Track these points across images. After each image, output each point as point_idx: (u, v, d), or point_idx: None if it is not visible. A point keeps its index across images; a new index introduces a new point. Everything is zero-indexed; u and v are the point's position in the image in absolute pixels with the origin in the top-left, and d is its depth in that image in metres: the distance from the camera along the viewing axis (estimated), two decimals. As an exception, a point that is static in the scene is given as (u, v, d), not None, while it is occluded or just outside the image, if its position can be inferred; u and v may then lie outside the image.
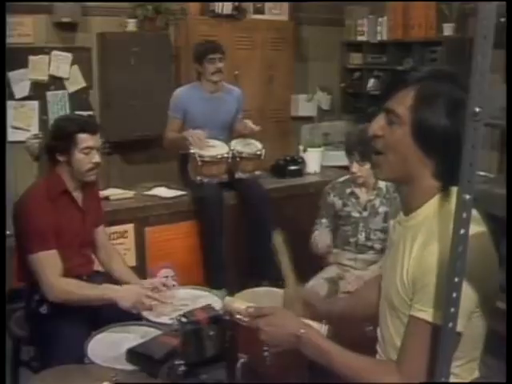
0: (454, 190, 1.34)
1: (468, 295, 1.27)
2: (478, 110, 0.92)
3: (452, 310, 1.05)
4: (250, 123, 3.92)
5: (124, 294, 2.38)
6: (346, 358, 1.43)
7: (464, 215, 1.00)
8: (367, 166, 3.02)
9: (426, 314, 1.32)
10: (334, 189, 3.22)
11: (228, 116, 4.03)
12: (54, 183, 2.54)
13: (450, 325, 1.06)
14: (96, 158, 2.54)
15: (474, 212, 1.35)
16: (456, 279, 1.02)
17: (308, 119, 6.18)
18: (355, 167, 3.04)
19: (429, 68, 1.46)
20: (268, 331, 1.55)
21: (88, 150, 2.50)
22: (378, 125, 1.44)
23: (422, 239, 1.37)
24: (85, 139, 2.49)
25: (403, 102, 1.38)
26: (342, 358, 1.43)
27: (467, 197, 0.98)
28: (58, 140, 2.52)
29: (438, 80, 1.38)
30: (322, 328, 1.61)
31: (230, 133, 4.04)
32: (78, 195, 2.61)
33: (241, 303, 1.76)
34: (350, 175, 3.14)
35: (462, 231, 1.00)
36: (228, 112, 4.03)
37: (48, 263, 2.40)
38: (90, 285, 2.46)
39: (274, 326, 1.55)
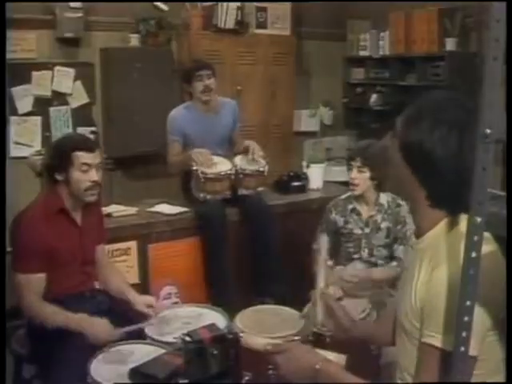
0: (462, 216, 1.35)
1: (480, 317, 1.25)
2: (488, 131, 0.91)
3: (464, 334, 1.02)
4: (257, 150, 3.86)
5: (96, 331, 2.32)
6: None
7: (475, 238, 0.98)
8: (366, 174, 3.02)
9: (436, 339, 1.30)
10: (337, 206, 3.21)
11: (225, 131, 4.01)
12: (51, 201, 2.54)
13: (462, 349, 1.03)
14: (94, 176, 2.52)
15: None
16: (468, 303, 1.00)
17: (311, 134, 6.18)
18: (354, 173, 3.06)
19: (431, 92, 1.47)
20: (286, 367, 1.57)
21: (85, 167, 2.49)
22: (388, 136, 1.49)
23: (429, 263, 1.36)
24: (81, 156, 2.49)
25: (400, 119, 1.43)
26: None
27: (478, 220, 0.96)
28: (55, 159, 2.54)
29: (432, 100, 1.41)
30: (340, 358, 1.62)
31: (229, 146, 4.03)
32: (76, 214, 2.60)
33: (259, 340, 1.79)
34: (350, 186, 3.14)
35: (474, 254, 0.98)
36: (225, 127, 4.00)
37: (28, 286, 2.42)
38: (66, 313, 2.39)
39: (291, 361, 1.56)
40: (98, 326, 2.32)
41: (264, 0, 5.52)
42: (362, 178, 3.05)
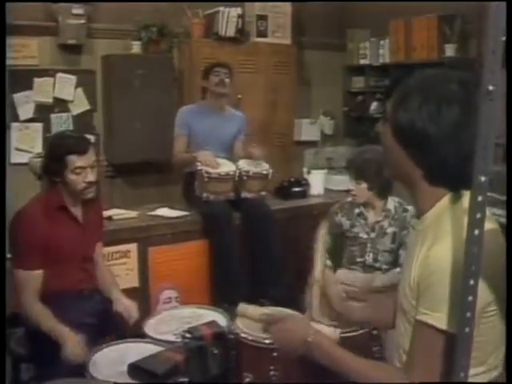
0: (464, 193, 1.34)
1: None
2: (491, 88, 0.90)
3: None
4: (255, 149, 3.92)
5: (69, 345, 2.25)
6: (354, 362, 1.43)
7: (479, 198, 0.96)
8: (364, 185, 3.01)
9: (431, 317, 1.28)
10: (343, 209, 3.20)
11: (230, 136, 4.08)
12: (51, 199, 2.55)
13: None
14: (89, 177, 2.52)
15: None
16: (473, 267, 0.98)
17: (311, 144, 6.17)
18: (351, 185, 3.07)
19: (417, 73, 1.45)
20: (278, 337, 1.58)
21: (79, 170, 2.49)
22: (380, 122, 1.46)
23: (429, 241, 1.34)
24: (74, 160, 2.49)
25: (389, 103, 1.41)
26: (351, 363, 1.42)
27: (482, 179, 0.95)
28: (50, 162, 2.54)
29: (418, 78, 1.40)
30: (335, 332, 1.62)
31: (230, 153, 4.05)
32: (77, 211, 2.61)
33: (255, 310, 1.79)
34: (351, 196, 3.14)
35: (479, 215, 0.96)
36: (230, 132, 4.08)
37: (26, 284, 2.41)
38: (55, 322, 2.36)
39: (284, 332, 1.56)
40: (71, 343, 2.25)
41: (266, 0, 5.54)
42: (359, 189, 3.05)
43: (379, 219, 3.10)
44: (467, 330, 1.07)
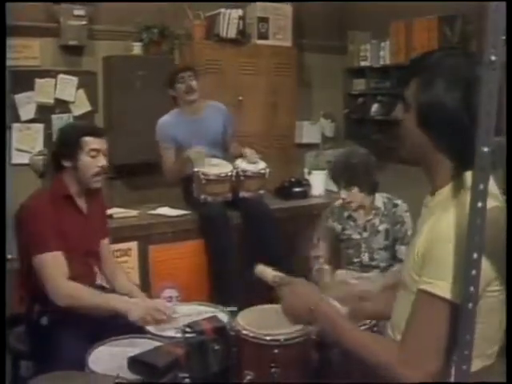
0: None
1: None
2: (493, 58, 0.91)
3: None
4: (247, 150, 3.91)
5: (133, 307, 2.35)
6: (356, 334, 1.43)
7: (482, 170, 0.96)
8: (355, 189, 3.00)
9: (432, 286, 1.27)
10: (333, 213, 3.22)
11: (216, 133, 4.00)
12: (57, 188, 2.55)
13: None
14: (102, 161, 2.55)
15: (493, 186, 1.34)
16: (476, 239, 0.97)
17: (312, 146, 6.17)
18: (343, 194, 3.03)
19: (437, 54, 1.44)
20: (287, 300, 1.58)
21: (94, 152, 2.52)
22: (399, 110, 1.46)
23: (437, 215, 1.34)
24: (91, 142, 2.51)
25: (411, 89, 1.41)
26: (354, 333, 1.43)
27: (485, 149, 0.95)
28: (64, 145, 2.54)
29: (442, 64, 1.38)
30: (342, 309, 1.63)
31: (223, 150, 4.03)
32: (82, 202, 2.61)
33: (271, 272, 1.82)
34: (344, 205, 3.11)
35: (481, 187, 0.96)
36: (215, 130, 4.00)
37: (52, 264, 2.38)
38: (98, 292, 2.43)
39: (292, 296, 1.57)
40: (132, 304, 2.36)
41: (267, 0, 5.54)
42: (352, 194, 3.03)
43: (370, 218, 3.10)
44: (470, 305, 1.06)
